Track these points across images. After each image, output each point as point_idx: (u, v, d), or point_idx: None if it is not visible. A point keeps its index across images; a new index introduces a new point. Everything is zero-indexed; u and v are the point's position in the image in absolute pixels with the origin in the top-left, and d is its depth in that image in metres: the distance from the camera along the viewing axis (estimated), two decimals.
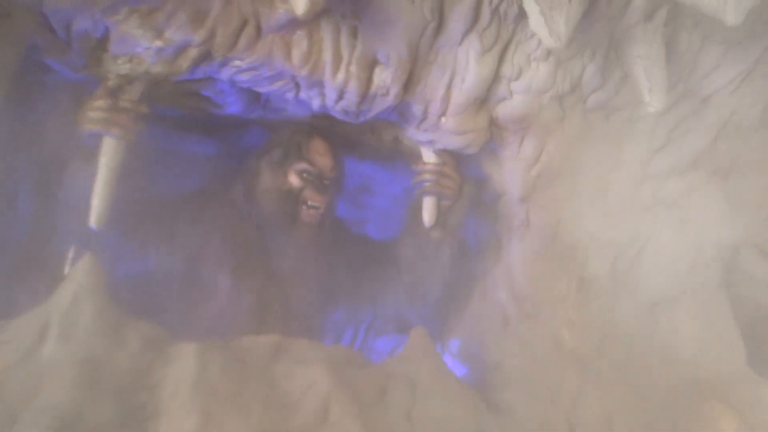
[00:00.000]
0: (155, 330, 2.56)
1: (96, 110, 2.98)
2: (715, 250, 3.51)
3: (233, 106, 3.52)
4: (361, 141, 3.98)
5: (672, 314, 3.55)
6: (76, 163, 3.06)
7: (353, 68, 2.79)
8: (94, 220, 2.98)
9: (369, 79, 2.83)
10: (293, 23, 2.70)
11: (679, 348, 3.48)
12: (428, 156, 3.83)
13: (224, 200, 3.74)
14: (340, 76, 2.81)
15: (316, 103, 3.25)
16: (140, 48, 2.88)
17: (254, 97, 3.51)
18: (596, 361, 3.36)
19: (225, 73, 3.08)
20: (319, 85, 2.88)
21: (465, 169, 3.82)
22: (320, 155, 3.86)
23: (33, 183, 3.03)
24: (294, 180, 3.77)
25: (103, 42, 2.93)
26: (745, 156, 3.50)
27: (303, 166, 3.81)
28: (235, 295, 3.39)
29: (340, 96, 2.97)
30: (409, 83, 2.90)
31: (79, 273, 2.46)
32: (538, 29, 2.49)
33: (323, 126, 3.82)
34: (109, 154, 3.03)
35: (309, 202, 3.79)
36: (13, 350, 2.31)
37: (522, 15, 2.73)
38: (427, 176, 3.77)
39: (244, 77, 3.11)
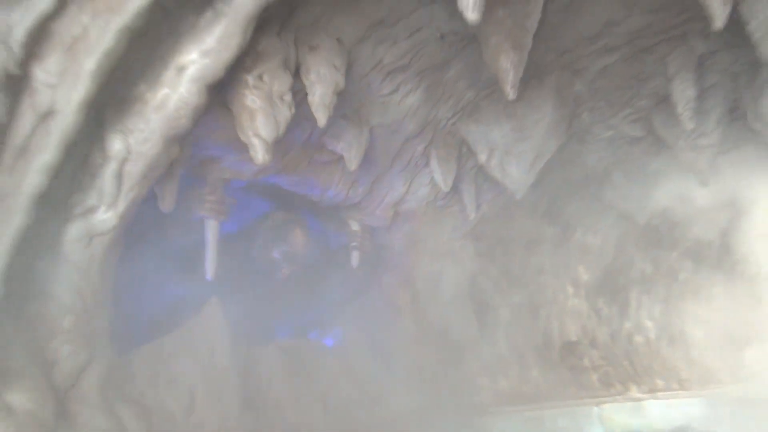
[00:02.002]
0: None
1: (208, 202, 5.57)
2: None
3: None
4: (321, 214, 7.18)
5: None
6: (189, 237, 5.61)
7: (347, 187, 6.09)
8: (210, 273, 5.50)
9: (351, 189, 6.13)
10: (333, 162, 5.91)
11: None
12: (355, 226, 7.16)
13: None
14: (341, 188, 6.07)
15: (316, 195, 6.37)
16: (246, 169, 5.65)
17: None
18: None
19: (273, 179, 6.01)
20: (330, 191, 6.08)
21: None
22: (299, 244, 6.85)
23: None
24: (277, 255, 6.68)
25: (216, 161, 5.61)
26: None
27: (285, 248, 6.74)
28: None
29: (336, 195, 6.19)
30: (368, 196, 6.32)
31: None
32: (436, 177, 6.18)
33: (306, 204, 6.86)
34: (214, 231, 5.61)
35: (283, 270, 6.75)
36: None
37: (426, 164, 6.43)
38: (357, 239, 7.08)
39: (286, 184, 6.09)
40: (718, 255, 9.83)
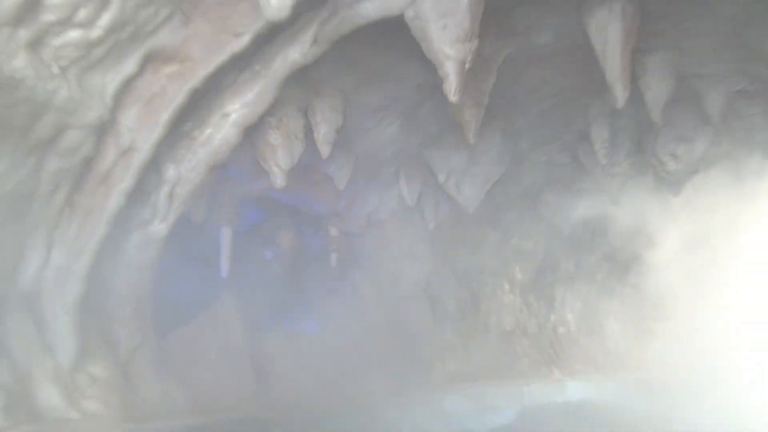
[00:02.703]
0: None
1: (224, 213, 6.78)
2: None
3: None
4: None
5: None
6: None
7: (332, 201, 7.45)
8: (224, 272, 6.73)
9: (335, 202, 7.51)
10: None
11: None
12: (334, 232, 8.51)
13: None
14: (328, 202, 7.42)
15: (305, 206, 7.68)
16: (256, 187, 6.90)
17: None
18: None
19: (275, 195, 7.27)
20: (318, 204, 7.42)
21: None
22: (287, 246, 8.11)
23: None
24: (268, 255, 7.98)
25: None
26: None
27: (275, 249, 8.02)
28: None
29: (322, 207, 7.54)
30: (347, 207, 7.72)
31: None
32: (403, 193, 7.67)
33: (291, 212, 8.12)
34: (227, 237, 6.83)
35: (275, 268, 8.08)
36: None
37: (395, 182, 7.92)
38: (336, 243, 8.42)
39: (283, 198, 7.36)
40: (629, 260, 11.79)
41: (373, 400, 7.35)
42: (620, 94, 5.70)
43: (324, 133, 6.22)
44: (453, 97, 4.89)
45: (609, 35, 5.65)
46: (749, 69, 6.69)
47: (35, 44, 4.16)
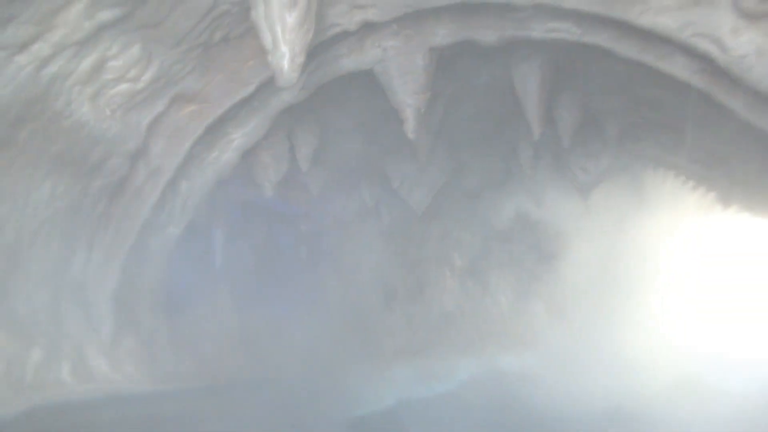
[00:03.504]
0: None
1: (219, 218, 8.12)
2: None
3: None
4: None
5: None
6: None
7: (307, 205, 8.90)
8: (218, 264, 8.10)
9: (308, 206, 8.95)
10: None
11: None
12: (304, 229, 9.96)
13: None
14: (303, 206, 8.87)
15: (283, 209, 9.10)
16: (248, 196, 8.26)
17: None
18: None
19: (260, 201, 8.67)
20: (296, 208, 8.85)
21: None
22: (263, 240, 9.50)
23: None
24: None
25: None
26: None
27: (253, 243, 9.40)
28: None
29: (298, 210, 8.98)
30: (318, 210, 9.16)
31: None
32: (364, 196, 9.20)
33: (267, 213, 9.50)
34: (221, 237, 8.20)
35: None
36: None
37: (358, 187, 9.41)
38: (306, 239, 9.87)
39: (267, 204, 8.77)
40: (553, 249, 13.84)
41: (337, 369, 8.95)
42: (536, 130, 7.43)
43: (304, 153, 7.66)
44: (411, 135, 6.47)
45: (528, 85, 7.35)
46: (638, 108, 8.58)
47: (96, 95, 5.39)
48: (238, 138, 6.76)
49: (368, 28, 6.21)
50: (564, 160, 10.41)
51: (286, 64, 4.97)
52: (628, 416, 8.30)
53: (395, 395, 9.46)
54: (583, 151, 10.14)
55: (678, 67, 5.76)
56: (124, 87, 5.55)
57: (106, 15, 4.93)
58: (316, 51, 6.21)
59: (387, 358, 10.86)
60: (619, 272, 13.79)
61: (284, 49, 4.98)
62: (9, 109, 4.87)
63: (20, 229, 5.30)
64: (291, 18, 4.96)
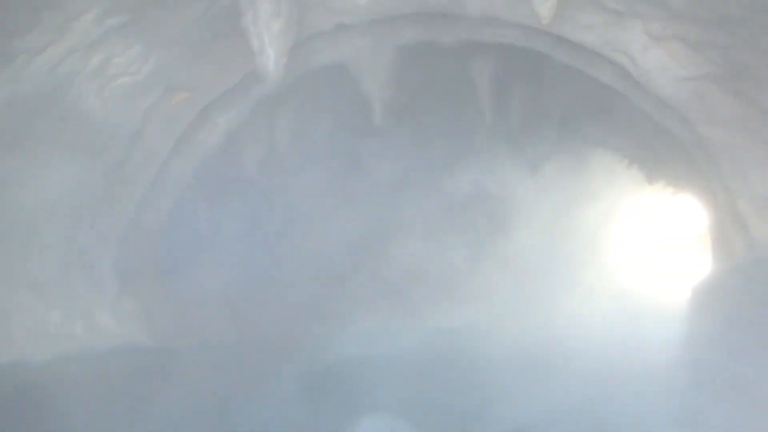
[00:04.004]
0: None
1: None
2: None
3: None
4: None
5: None
6: None
7: None
8: (202, 238, 8.99)
9: None
10: None
11: None
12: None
13: None
14: None
15: None
16: None
17: None
18: None
19: None
20: None
21: None
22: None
23: None
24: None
25: None
26: None
27: None
28: None
29: None
30: None
31: None
32: None
33: None
34: (205, 211, 9.08)
35: None
36: None
37: None
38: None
39: None
40: (506, 218, 15.17)
41: (311, 325, 10.08)
42: (489, 115, 8.53)
43: (282, 135, 8.51)
44: (378, 121, 7.43)
45: (482, 78, 8.36)
46: (578, 98, 9.74)
47: (101, 89, 6.10)
48: (223, 123, 7.56)
49: (342, 28, 7.05)
50: (514, 139, 11.53)
51: (271, 65, 5.83)
52: (565, 356, 9.54)
53: (360, 347, 10.62)
54: (531, 132, 11.27)
55: (603, 73, 6.85)
56: (125, 80, 6.27)
57: (113, 21, 5.63)
58: (295, 47, 7.03)
59: (354, 314, 11.99)
60: (566, 238, 15.22)
61: (270, 52, 5.82)
62: (27, 103, 5.55)
63: (36, 207, 6.04)
64: (276, 25, 5.80)
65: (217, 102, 7.25)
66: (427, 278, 15.01)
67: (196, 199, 8.51)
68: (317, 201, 11.49)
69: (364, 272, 14.39)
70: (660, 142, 9.07)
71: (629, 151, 11.15)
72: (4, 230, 5.77)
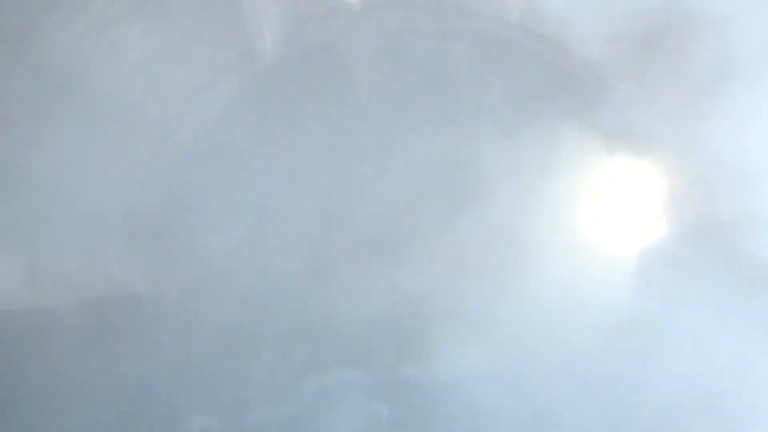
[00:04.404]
0: None
1: None
2: None
3: None
4: None
5: None
6: None
7: None
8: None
9: None
10: None
11: None
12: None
13: None
14: None
15: None
16: None
17: None
18: None
19: None
20: None
21: None
22: None
23: None
24: None
25: None
26: None
27: None
28: None
29: None
30: None
31: None
32: None
33: None
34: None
35: None
36: None
37: None
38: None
39: None
40: (481, 183, 16.08)
41: (290, 283, 11.11)
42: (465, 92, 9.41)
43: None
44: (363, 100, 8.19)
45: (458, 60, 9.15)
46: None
47: (113, 62, 6.77)
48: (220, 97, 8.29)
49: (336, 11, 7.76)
50: (489, 110, 12.35)
51: (268, 46, 6.53)
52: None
53: (340, 301, 11.65)
54: (504, 104, 12.11)
55: None
56: (134, 56, 6.94)
57: (125, 3, 6.29)
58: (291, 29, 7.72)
59: (331, 272, 12.94)
60: (536, 200, 16.24)
61: (267, 35, 6.53)
62: (51, 77, 6.27)
63: (55, 169, 6.82)
64: (273, 8, 6.49)
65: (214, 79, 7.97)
66: (404, 239, 16.08)
67: (197, 164, 9.23)
68: (304, 165, 12.21)
69: (343, 233, 15.20)
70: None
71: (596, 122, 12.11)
72: (28, 190, 6.56)
